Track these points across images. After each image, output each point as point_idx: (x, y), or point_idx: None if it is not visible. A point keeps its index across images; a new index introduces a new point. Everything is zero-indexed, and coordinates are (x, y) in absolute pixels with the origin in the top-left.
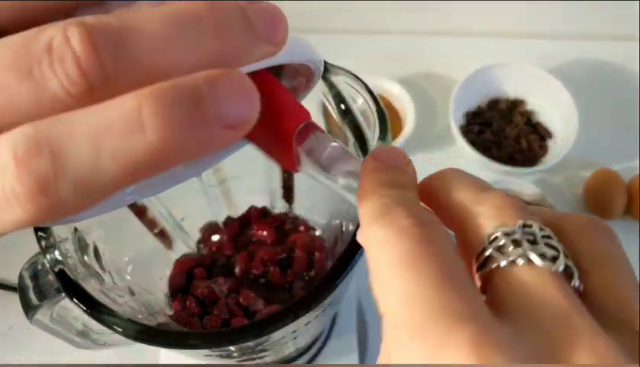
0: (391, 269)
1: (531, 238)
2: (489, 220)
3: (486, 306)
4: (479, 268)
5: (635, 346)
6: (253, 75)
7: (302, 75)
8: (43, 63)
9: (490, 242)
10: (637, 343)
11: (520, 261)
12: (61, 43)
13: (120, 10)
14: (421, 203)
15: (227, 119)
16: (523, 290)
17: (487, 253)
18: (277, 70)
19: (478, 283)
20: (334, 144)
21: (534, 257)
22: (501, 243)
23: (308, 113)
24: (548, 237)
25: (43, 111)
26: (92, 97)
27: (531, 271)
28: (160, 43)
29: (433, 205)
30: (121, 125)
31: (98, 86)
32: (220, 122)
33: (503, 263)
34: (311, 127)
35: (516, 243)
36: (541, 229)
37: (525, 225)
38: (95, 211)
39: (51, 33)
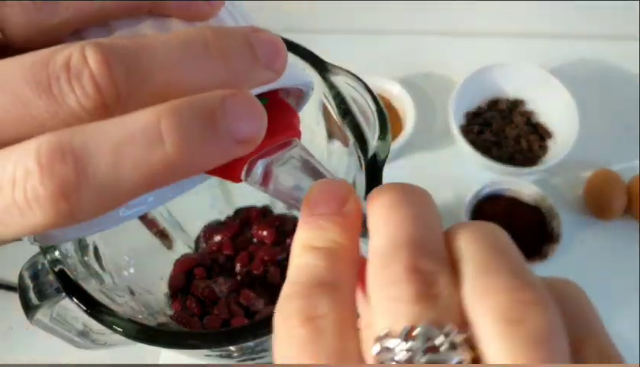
0: None
1: (409, 355)
2: (380, 317)
3: None
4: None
5: None
6: None
7: (293, 96)
8: (62, 79)
9: (377, 353)
10: None
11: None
12: (79, 62)
13: (134, 34)
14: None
15: (238, 135)
16: None
17: (376, 348)
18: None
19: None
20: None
21: None
22: (387, 346)
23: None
24: (433, 348)
25: (59, 124)
26: (106, 112)
27: None
28: (169, 64)
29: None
30: (141, 136)
31: (111, 102)
32: (232, 138)
33: (390, 361)
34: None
35: (406, 350)
36: (427, 339)
37: (408, 334)
38: (100, 226)
39: (69, 52)
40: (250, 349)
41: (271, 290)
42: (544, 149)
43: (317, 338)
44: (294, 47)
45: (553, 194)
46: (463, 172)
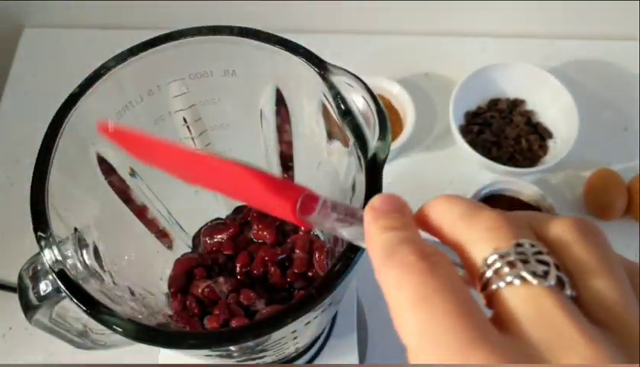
0: (405, 309)
1: (523, 257)
2: (485, 244)
3: (492, 326)
4: (482, 289)
5: (628, 347)
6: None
7: None
8: None
9: (488, 266)
10: (630, 344)
11: (516, 282)
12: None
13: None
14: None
15: None
16: (520, 307)
17: (486, 276)
18: None
19: (484, 301)
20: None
21: (527, 276)
22: (497, 266)
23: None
24: (539, 253)
25: None
26: None
27: (526, 289)
28: None
29: (432, 235)
30: None
31: None
32: None
33: (501, 285)
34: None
35: (511, 264)
36: (532, 246)
37: (517, 244)
38: None
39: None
40: (250, 349)
41: (271, 291)
42: (544, 149)
43: (435, 268)
44: (294, 47)
45: (553, 194)
46: (463, 172)
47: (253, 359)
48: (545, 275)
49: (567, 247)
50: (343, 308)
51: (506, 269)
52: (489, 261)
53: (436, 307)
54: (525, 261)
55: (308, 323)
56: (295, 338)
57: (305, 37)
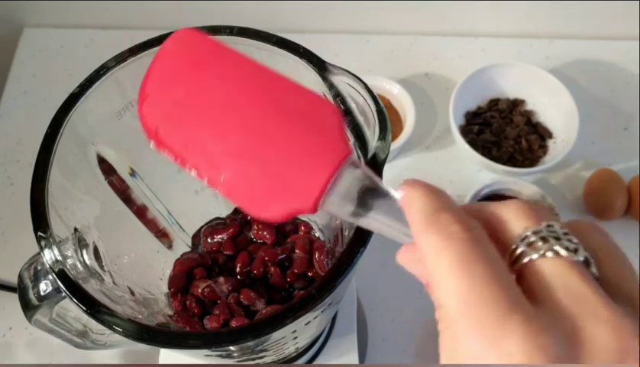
0: (447, 274)
1: (555, 235)
2: (518, 222)
3: (525, 298)
4: (512, 263)
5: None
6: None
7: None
8: None
9: (522, 240)
10: None
11: (549, 254)
12: None
13: None
14: None
15: None
16: (552, 278)
17: (520, 250)
18: None
19: (513, 277)
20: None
21: (560, 249)
22: (531, 240)
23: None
24: (568, 234)
25: None
26: None
27: (557, 262)
28: None
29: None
30: None
31: None
32: None
33: (535, 256)
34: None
35: (544, 239)
36: (561, 228)
37: (548, 225)
38: None
39: None
40: (250, 349)
41: (271, 291)
42: (544, 149)
43: (476, 239)
44: (294, 47)
45: (553, 194)
46: (463, 172)
47: (253, 359)
48: (575, 252)
49: (586, 233)
50: (343, 308)
51: (540, 243)
52: (523, 236)
53: (476, 275)
54: (556, 238)
55: (308, 323)
56: (295, 338)
57: (305, 37)
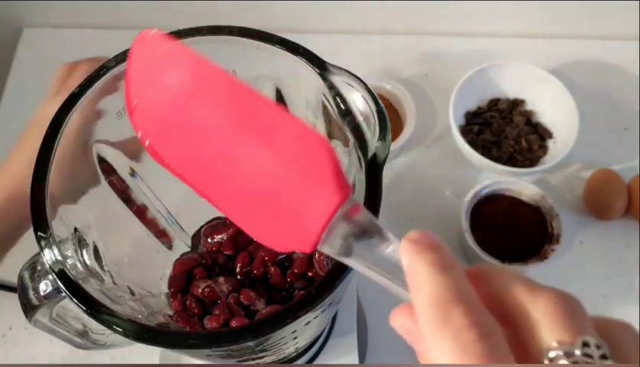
0: None
1: (589, 360)
2: (549, 330)
3: None
4: None
5: None
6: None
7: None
8: None
9: (550, 360)
10: None
11: None
12: None
13: None
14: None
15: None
16: None
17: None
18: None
19: None
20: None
21: None
22: (561, 362)
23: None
24: (605, 357)
25: None
26: None
27: None
28: None
29: (482, 293)
30: None
31: None
32: None
33: None
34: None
35: (575, 363)
36: (598, 347)
37: (584, 343)
38: None
39: None
40: (250, 349)
41: (271, 291)
42: (544, 149)
43: (493, 350)
44: (294, 47)
45: (553, 194)
46: (463, 172)
47: (253, 359)
48: None
49: (629, 351)
50: (343, 308)
51: (576, 358)
52: (551, 355)
53: None
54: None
55: (308, 323)
56: (295, 338)
57: (305, 37)
